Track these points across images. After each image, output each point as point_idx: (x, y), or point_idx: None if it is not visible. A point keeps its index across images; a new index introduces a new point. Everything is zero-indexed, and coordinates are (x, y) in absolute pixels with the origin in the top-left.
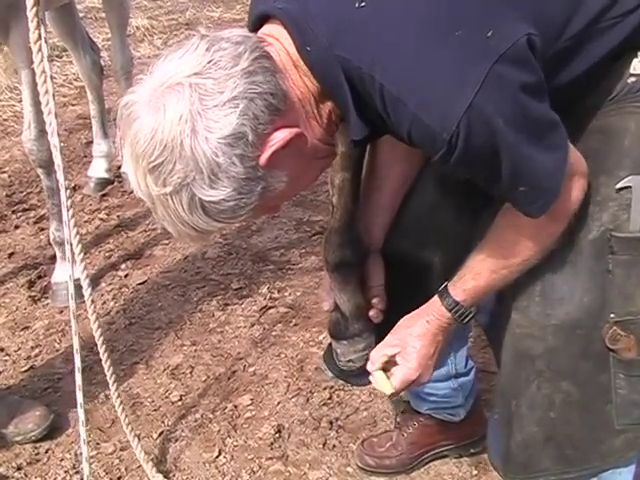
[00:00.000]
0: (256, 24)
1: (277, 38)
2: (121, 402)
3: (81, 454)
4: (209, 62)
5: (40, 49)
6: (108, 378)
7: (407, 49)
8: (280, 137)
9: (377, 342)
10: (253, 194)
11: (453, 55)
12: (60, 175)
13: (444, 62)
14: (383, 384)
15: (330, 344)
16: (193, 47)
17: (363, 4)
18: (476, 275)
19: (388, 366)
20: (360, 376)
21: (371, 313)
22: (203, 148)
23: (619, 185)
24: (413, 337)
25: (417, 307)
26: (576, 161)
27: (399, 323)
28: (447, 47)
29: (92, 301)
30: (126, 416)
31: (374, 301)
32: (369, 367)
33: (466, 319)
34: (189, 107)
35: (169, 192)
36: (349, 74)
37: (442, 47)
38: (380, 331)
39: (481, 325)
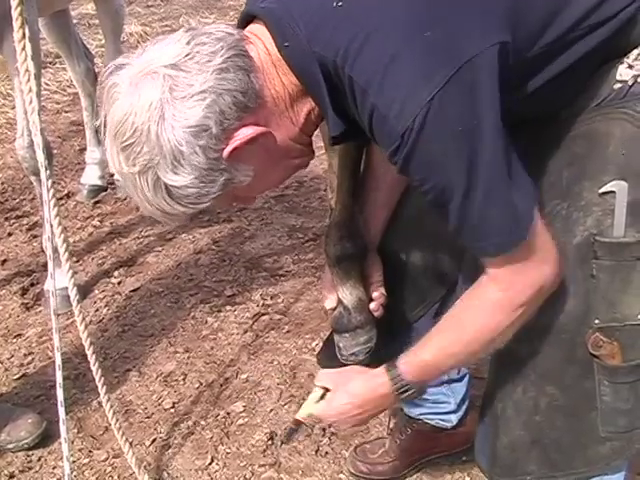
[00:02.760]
0: (243, 24)
1: (259, 37)
2: (112, 409)
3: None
4: (186, 55)
5: (24, 48)
6: (98, 384)
7: (377, 44)
8: (245, 133)
9: (378, 336)
10: (215, 184)
11: (421, 54)
12: (43, 175)
13: (411, 60)
14: (307, 404)
15: (324, 346)
16: (177, 38)
17: (340, 3)
18: (425, 348)
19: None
20: None
21: (372, 306)
22: (168, 136)
23: (602, 190)
24: (346, 390)
25: (406, 306)
26: (543, 245)
27: (349, 368)
28: (416, 46)
29: (81, 309)
30: (118, 423)
31: (375, 295)
32: (315, 381)
33: (404, 394)
34: (160, 96)
35: (136, 172)
36: (325, 69)
37: (411, 45)
38: (380, 326)
39: None
